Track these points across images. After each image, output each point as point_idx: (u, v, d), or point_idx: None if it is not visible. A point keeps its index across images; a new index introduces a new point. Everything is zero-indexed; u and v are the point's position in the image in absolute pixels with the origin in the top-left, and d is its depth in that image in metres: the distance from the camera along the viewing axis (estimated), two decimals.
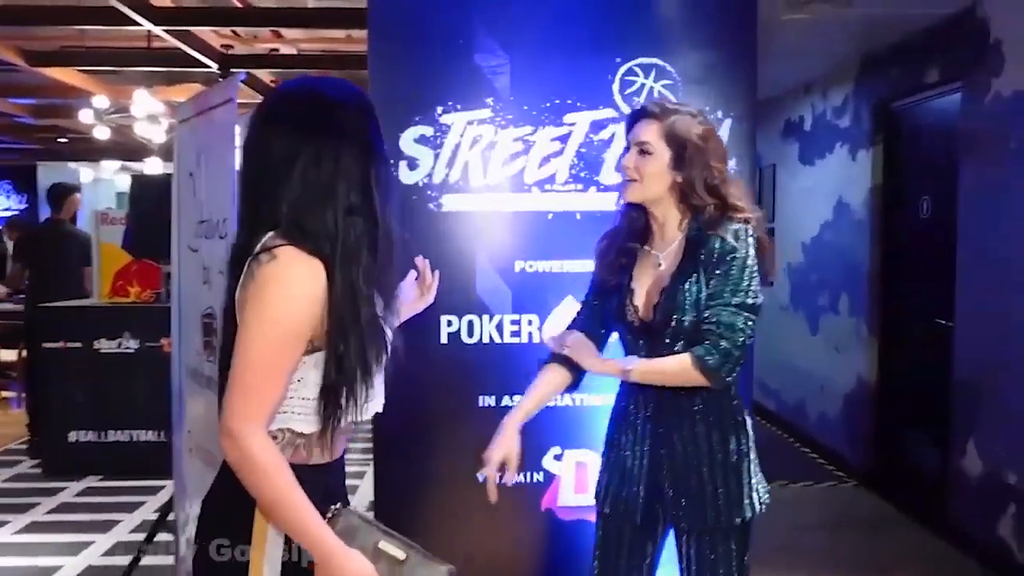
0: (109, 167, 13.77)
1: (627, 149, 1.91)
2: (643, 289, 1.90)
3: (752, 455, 1.92)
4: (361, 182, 1.38)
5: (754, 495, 1.89)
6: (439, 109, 2.49)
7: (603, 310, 1.98)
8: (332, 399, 1.36)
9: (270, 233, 1.36)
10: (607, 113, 2.51)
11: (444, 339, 2.53)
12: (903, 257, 4.71)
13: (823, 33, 4.44)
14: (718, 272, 1.80)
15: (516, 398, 2.48)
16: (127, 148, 11.46)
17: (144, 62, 6.89)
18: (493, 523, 2.46)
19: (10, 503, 4.63)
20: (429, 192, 2.51)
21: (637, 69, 2.51)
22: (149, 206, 5.13)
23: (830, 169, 5.46)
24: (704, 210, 1.84)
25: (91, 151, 12.37)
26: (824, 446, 5.52)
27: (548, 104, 2.51)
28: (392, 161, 2.43)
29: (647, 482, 1.90)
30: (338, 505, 1.42)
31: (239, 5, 5.52)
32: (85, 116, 8.17)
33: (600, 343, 1.98)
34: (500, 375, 2.53)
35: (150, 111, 7.74)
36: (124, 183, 13.24)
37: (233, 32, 6.44)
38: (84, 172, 13.68)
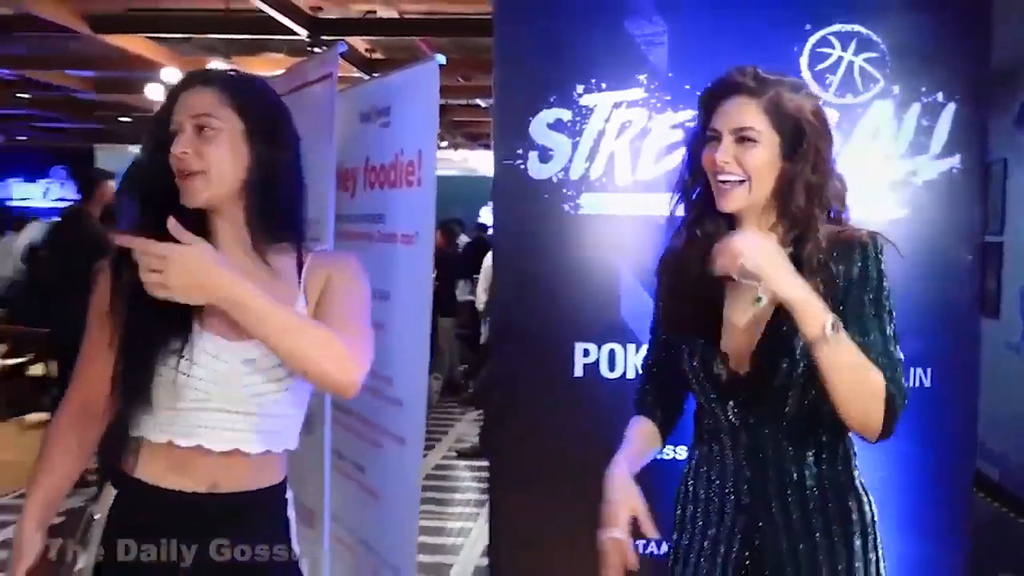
0: None
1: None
2: (736, 331, 1.79)
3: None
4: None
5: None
6: (579, 88, 2.64)
7: (676, 363, 1.88)
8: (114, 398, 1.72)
9: None
10: None
11: (579, 371, 2.68)
12: None
13: None
14: (851, 298, 1.70)
15: (667, 450, 2.60)
16: None
17: (221, 28, 7.41)
18: None
19: None
20: (565, 190, 2.66)
21: (832, 39, 2.59)
22: None
23: None
24: (804, 222, 1.72)
25: None
26: None
27: None
28: (520, 151, 2.63)
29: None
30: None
31: None
32: (152, 92, 8.82)
33: (680, 413, 1.97)
34: None
35: None
36: None
37: None
38: None
